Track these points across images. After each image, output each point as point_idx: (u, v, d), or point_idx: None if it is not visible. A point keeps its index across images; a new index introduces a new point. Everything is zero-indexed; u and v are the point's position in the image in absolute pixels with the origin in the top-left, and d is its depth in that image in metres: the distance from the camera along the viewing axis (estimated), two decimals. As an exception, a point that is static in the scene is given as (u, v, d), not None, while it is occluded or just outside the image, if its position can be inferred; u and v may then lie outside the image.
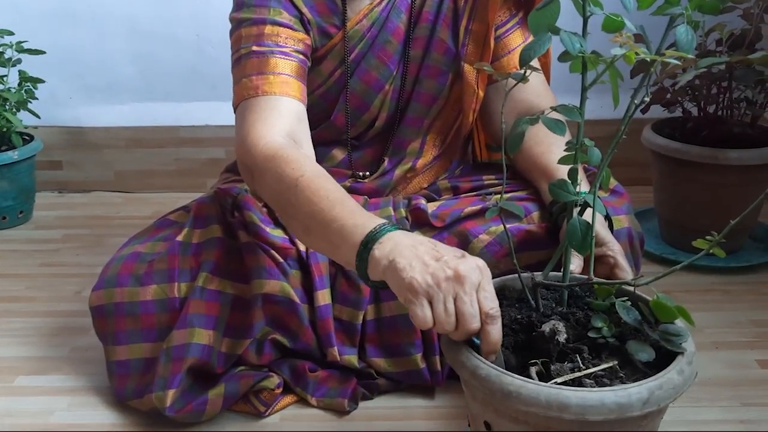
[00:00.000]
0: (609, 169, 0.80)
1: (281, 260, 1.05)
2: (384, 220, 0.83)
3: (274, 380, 1.06)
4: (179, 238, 1.07)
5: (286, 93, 1.01)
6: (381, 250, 0.78)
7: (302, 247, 1.07)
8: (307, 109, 1.12)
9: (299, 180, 0.90)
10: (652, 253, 1.50)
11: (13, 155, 1.71)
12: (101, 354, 1.09)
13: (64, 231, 1.73)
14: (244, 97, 1.02)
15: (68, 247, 1.65)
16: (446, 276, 0.74)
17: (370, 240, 0.79)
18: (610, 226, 0.99)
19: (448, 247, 0.79)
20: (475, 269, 0.75)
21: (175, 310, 1.02)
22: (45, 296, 1.41)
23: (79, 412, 1.06)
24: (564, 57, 0.73)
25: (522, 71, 0.77)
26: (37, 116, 1.80)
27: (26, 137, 1.81)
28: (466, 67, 1.14)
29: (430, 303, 0.74)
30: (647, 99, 0.73)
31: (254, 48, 1.03)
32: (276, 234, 1.07)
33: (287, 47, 1.04)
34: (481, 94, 1.16)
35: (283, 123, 0.99)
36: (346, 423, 1.03)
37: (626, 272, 0.91)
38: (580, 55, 0.72)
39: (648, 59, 0.69)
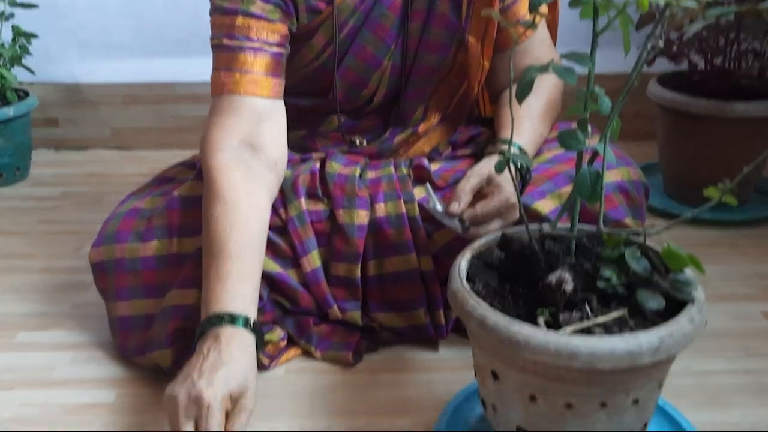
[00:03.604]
0: (619, 119, 0.78)
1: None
2: (217, 312, 0.85)
3: (279, 333, 1.06)
4: (177, 192, 1.05)
5: (252, 93, 1.00)
6: (197, 346, 0.84)
7: (283, 215, 1.06)
8: (302, 82, 1.11)
9: (209, 219, 0.93)
10: (655, 207, 1.50)
11: (9, 111, 1.68)
12: (103, 310, 1.09)
13: (62, 188, 1.72)
14: (213, 93, 1.03)
15: (67, 204, 1.64)
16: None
17: (197, 333, 0.86)
18: (524, 178, 1.02)
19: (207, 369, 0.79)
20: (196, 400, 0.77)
21: (175, 266, 1.01)
22: (44, 253, 1.40)
23: (82, 366, 1.06)
24: (574, 3, 0.71)
25: (531, 19, 0.75)
26: (32, 72, 1.77)
27: (21, 93, 1.78)
28: (471, 40, 1.10)
29: None
30: (661, 44, 0.71)
31: (225, 41, 1.02)
32: None
33: (259, 41, 1.01)
34: (487, 65, 1.13)
35: (241, 128, 0.99)
36: (351, 375, 1.03)
37: (516, 212, 0.96)
38: (591, 0, 0.70)
39: (661, 2, 0.66)
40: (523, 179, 1.02)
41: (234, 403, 0.78)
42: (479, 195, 0.99)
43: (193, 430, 0.75)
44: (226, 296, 0.86)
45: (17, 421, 0.95)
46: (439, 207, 0.98)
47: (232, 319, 0.83)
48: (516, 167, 1.00)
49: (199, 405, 0.75)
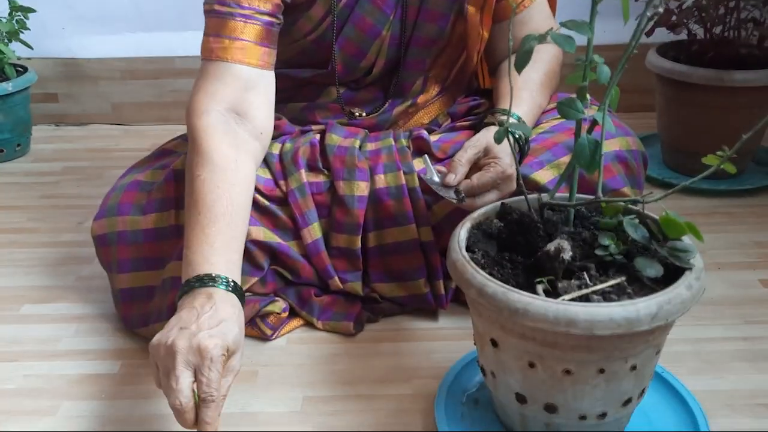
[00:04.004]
0: (618, 87, 0.78)
1: (266, 204, 1.04)
2: (208, 272, 0.84)
3: (280, 305, 1.07)
4: (173, 166, 1.06)
5: (239, 60, 0.99)
6: (182, 302, 0.83)
7: (284, 187, 1.06)
8: (301, 53, 1.10)
9: (195, 180, 0.92)
10: (654, 178, 1.50)
11: (8, 87, 1.68)
12: (106, 282, 1.10)
13: (63, 163, 1.72)
14: (202, 57, 1.01)
15: (68, 179, 1.64)
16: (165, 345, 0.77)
17: (183, 289, 0.84)
18: (522, 149, 1.01)
19: (205, 320, 0.78)
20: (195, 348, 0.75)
21: (173, 238, 1.02)
22: (47, 227, 1.41)
23: (86, 338, 1.07)
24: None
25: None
26: (30, 47, 1.76)
27: (20, 69, 1.77)
28: (470, 10, 1.09)
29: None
30: (661, 10, 0.71)
31: (216, 7, 1.00)
32: (259, 174, 1.05)
33: (250, 9, 0.99)
34: (486, 35, 1.13)
35: (227, 94, 0.98)
36: (352, 345, 1.04)
37: (512, 184, 0.98)
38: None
39: (662, -33, 0.66)
40: (521, 150, 1.02)
41: (225, 361, 0.78)
42: (476, 166, 0.99)
43: (191, 379, 0.75)
44: (217, 259, 0.85)
45: (22, 393, 0.96)
46: (436, 178, 0.98)
47: (225, 282, 0.83)
48: (514, 138, 1.00)
49: (202, 355, 0.75)
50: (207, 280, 0.83)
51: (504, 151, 0.98)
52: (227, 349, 0.77)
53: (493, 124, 1.03)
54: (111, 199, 1.07)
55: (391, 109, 1.16)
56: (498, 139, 0.81)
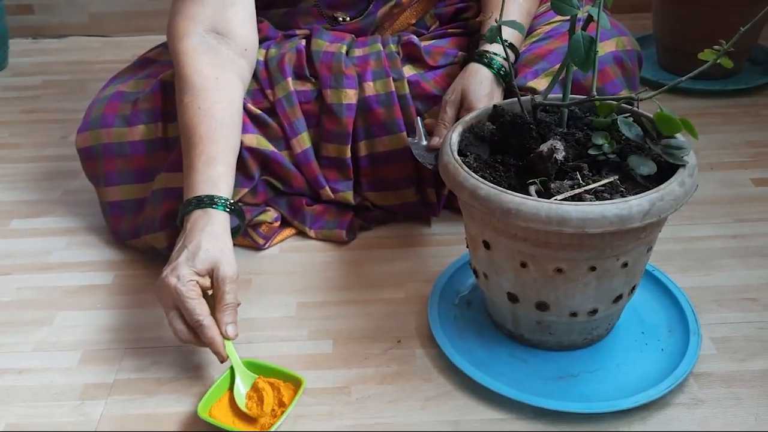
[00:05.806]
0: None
1: (258, 112, 1.02)
2: (188, 198, 0.85)
3: (271, 214, 1.06)
4: (163, 77, 1.03)
5: None
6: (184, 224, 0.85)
7: (271, 97, 1.04)
8: None
9: (180, 106, 0.92)
10: (648, 79, 1.48)
11: (-21, -3, 1.62)
12: (94, 196, 1.09)
13: (42, 77, 1.68)
14: None
15: (49, 93, 1.60)
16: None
17: (182, 210, 0.86)
18: (510, 80, 0.97)
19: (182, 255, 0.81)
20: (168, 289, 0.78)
21: (163, 150, 1.00)
22: (30, 142, 1.39)
23: (78, 250, 1.07)
24: None
25: None
26: (0, -46, 1.69)
27: (-10, -22, 1.71)
28: None
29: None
30: None
31: None
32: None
33: None
34: None
35: (207, 15, 0.95)
36: (345, 252, 1.04)
37: None
38: None
39: None
40: (504, 80, 1.00)
41: (211, 278, 0.80)
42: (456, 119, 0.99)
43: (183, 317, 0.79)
44: (196, 180, 0.86)
45: (17, 304, 0.96)
46: (424, 142, 1.00)
47: (198, 201, 0.84)
48: (499, 75, 0.99)
49: (171, 294, 0.78)
50: (186, 208, 0.84)
51: (478, 99, 0.97)
52: (197, 273, 0.79)
53: (477, 60, 1.00)
54: (94, 111, 1.05)
55: (375, 11, 1.12)
56: (490, 38, 0.78)
